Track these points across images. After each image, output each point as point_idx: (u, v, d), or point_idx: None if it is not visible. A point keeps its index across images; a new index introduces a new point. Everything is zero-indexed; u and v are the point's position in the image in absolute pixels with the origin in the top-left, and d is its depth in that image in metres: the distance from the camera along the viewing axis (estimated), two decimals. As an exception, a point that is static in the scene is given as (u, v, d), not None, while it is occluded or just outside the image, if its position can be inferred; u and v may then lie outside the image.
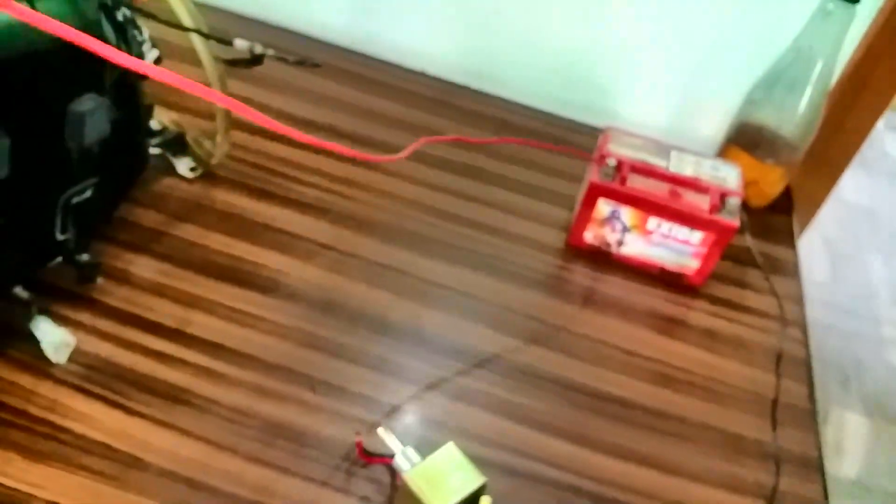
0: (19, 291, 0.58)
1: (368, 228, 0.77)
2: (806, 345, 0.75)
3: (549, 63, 0.96)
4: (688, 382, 0.69)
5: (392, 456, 0.54)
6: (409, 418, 0.61)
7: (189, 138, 0.76)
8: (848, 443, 1.85)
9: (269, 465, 0.56)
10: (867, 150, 3.01)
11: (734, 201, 0.73)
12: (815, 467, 0.66)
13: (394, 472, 0.55)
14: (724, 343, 0.74)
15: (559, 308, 0.74)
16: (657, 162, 0.76)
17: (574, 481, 0.60)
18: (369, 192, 0.81)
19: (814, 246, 2.27)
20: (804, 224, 1.01)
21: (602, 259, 0.79)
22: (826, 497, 0.65)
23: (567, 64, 0.96)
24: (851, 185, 2.58)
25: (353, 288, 0.71)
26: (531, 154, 0.90)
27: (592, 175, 0.75)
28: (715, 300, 0.78)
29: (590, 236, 0.79)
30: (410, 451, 0.54)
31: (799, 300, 0.80)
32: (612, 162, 0.75)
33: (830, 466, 1.78)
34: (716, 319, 0.76)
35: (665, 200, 0.74)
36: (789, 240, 0.87)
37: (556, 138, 0.93)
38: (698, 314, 0.76)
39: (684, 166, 0.76)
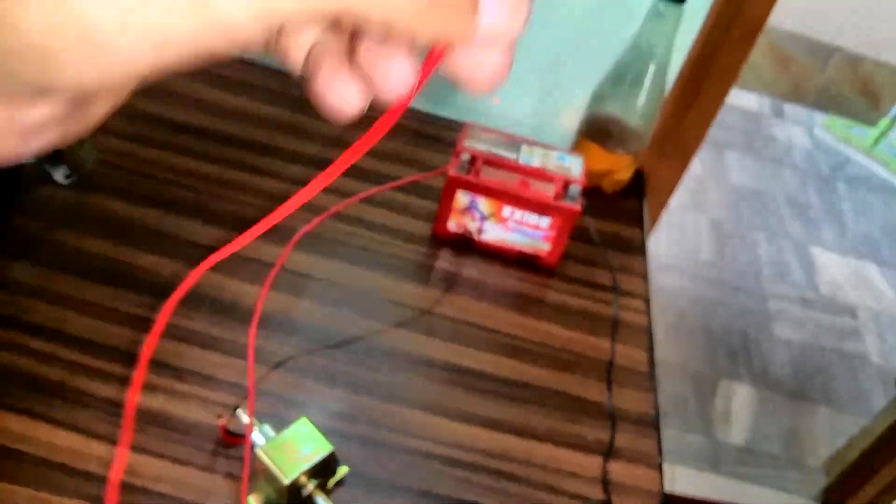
0: None
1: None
2: (648, 314, 0.83)
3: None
4: (536, 353, 0.76)
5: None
6: (271, 399, 0.67)
7: (63, 147, 0.79)
8: (736, 412, 1.97)
9: (139, 449, 0.61)
10: (754, 135, 3.16)
11: (576, 188, 0.81)
12: (650, 425, 0.74)
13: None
14: (571, 316, 0.81)
15: (423, 293, 0.80)
16: (508, 155, 0.83)
17: (428, 447, 0.66)
18: (245, 192, 0.85)
19: (701, 227, 2.40)
20: (660, 205, 1.10)
21: (466, 246, 0.86)
22: (660, 452, 0.72)
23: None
24: (738, 169, 2.73)
25: (227, 283, 0.75)
26: (402, 150, 0.95)
27: (450, 169, 0.82)
28: (566, 278, 0.85)
29: (453, 225, 0.85)
30: (266, 428, 0.59)
31: (643, 275, 0.88)
32: (466, 156, 0.82)
33: (720, 434, 1.90)
34: (566, 296, 0.83)
35: (514, 189, 0.81)
36: (638, 221, 0.95)
37: (428, 134, 0.99)
38: (550, 291, 0.83)
39: (533, 158, 0.83)
